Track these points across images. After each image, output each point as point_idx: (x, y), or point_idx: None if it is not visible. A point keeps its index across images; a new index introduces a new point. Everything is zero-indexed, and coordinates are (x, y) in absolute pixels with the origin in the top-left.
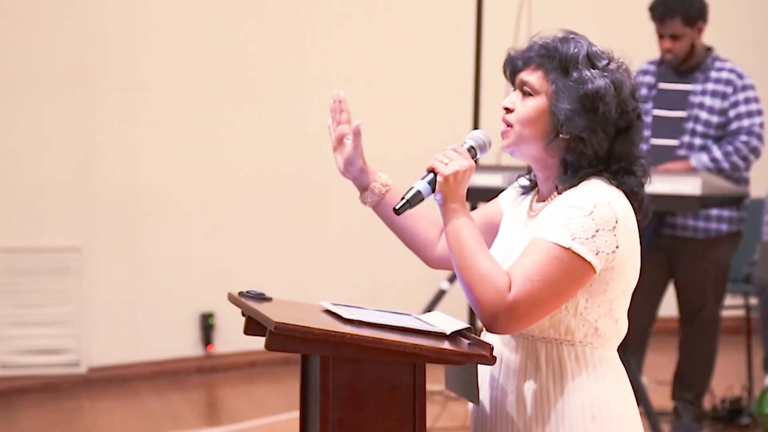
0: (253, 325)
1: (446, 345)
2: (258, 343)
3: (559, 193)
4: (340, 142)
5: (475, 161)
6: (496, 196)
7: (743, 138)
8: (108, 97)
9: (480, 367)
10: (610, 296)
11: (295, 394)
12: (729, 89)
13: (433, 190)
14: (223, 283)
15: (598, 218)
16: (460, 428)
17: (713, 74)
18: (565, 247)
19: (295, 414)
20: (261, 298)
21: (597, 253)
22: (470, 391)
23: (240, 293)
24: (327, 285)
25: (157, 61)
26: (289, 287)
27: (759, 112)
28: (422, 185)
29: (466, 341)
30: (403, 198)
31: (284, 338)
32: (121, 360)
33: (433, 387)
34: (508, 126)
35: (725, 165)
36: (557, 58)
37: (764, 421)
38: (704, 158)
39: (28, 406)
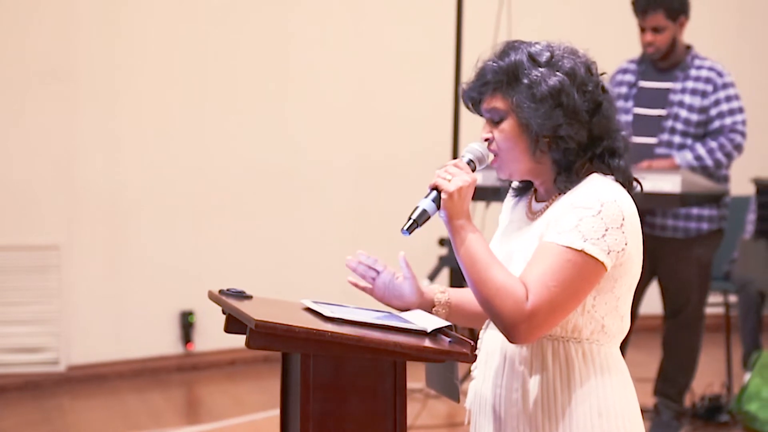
0: (234, 323)
1: (427, 343)
2: (238, 341)
3: (562, 193)
4: (390, 284)
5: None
6: (476, 193)
7: (728, 135)
8: (89, 95)
9: (480, 366)
10: (617, 293)
11: (276, 392)
12: (709, 87)
13: (438, 208)
14: (204, 281)
15: (606, 217)
16: (440, 426)
17: (693, 72)
18: (577, 250)
19: (276, 412)
20: (241, 296)
21: (608, 252)
22: (450, 389)
23: (220, 291)
24: (308, 283)
25: (140, 59)
26: (270, 285)
27: (740, 110)
28: (427, 203)
29: (447, 339)
30: (409, 218)
31: (265, 336)
32: (100, 358)
33: (413, 385)
34: (496, 155)
35: (709, 162)
36: (504, 72)
37: (743, 419)
38: (688, 156)
39: (7, 404)
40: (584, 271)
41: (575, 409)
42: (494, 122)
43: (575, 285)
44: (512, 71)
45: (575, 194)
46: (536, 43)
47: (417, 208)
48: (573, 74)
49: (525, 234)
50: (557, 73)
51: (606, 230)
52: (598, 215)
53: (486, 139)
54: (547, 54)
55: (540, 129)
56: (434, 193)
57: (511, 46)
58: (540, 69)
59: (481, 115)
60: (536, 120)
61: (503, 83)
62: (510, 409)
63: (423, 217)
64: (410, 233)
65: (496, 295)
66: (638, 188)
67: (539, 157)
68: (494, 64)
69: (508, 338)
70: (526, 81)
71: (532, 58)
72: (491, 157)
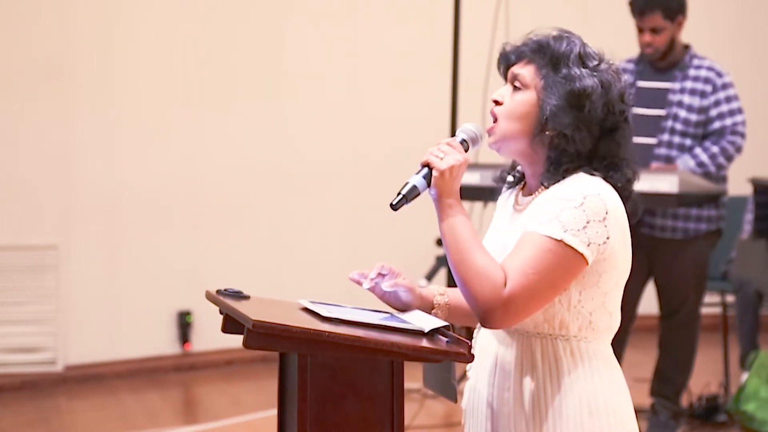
0: (231, 323)
1: (424, 343)
2: (236, 341)
3: (546, 188)
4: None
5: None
6: (473, 193)
7: (729, 138)
8: (88, 94)
9: (474, 365)
10: (603, 288)
11: (273, 392)
12: (708, 87)
13: (429, 185)
14: (201, 281)
15: (588, 209)
16: (437, 426)
17: (692, 72)
18: (557, 239)
19: (273, 412)
20: (239, 296)
21: (588, 245)
22: (448, 389)
23: (218, 291)
24: (305, 283)
25: (138, 58)
26: (268, 285)
27: (740, 110)
28: (418, 180)
29: (444, 339)
30: (399, 193)
31: (262, 336)
32: (98, 358)
33: (410, 385)
34: (495, 120)
35: (712, 169)
36: (548, 54)
37: (741, 419)
38: (691, 163)
39: (5, 404)
40: (563, 261)
41: (565, 408)
42: (514, 88)
43: (554, 274)
44: (556, 56)
45: (559, 187)
46: (591, 47)
47: (407, 183)
48: (608, 89)
49: (511, 225)
50: (594, 80)
51: (587, 222)
52: (580, 207)
53: (495, 101)
54: (596, 61)
55: (550, 119)
56: (425, 170)
57: (568, 36)
58: (582, 69)
59: (506, 79)
60: (552, 109)
61: (542, 60)
62: (502, 408)
63: (413, 193)
64: (398, 209)
65: (475, 278)
66: (633, 196)
67: (536, 146)
68: (544, 40)
69: (482, 322)
70: (564, 72)
71: (581, 57)
72: (485, 137)
